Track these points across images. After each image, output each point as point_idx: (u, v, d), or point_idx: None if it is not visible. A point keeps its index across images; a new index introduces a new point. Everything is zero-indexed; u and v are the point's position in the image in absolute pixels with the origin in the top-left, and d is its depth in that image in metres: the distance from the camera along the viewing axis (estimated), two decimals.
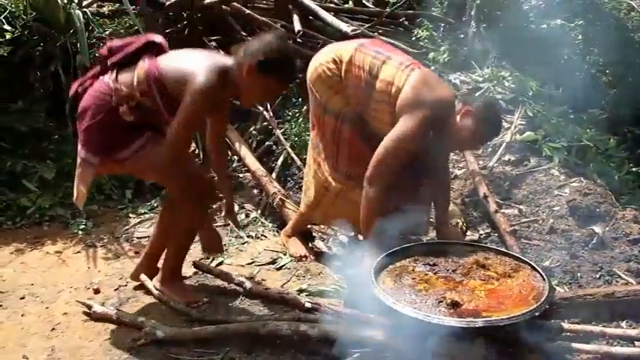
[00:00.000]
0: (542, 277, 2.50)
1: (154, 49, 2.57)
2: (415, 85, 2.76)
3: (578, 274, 3.03)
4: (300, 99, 4.60)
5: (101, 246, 3.55)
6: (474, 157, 4.08)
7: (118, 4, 4.89)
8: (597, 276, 3.01)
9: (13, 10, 4.16)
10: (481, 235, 3.52)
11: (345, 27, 4.64)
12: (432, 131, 2.81)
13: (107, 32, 4.50)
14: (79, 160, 2.58)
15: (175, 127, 2.41)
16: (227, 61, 2.50)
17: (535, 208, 3.63)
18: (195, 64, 2.43)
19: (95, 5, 4.83)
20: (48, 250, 3.52)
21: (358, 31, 4.67)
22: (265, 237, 3.60)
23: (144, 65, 2.49)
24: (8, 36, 3.96)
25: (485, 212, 3.63)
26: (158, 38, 2.62)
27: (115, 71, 2.52)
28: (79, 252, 3.50)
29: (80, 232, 3.70)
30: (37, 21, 4.21)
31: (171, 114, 2.43)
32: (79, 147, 2.57)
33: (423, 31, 5.79)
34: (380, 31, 5.47)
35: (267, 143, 4.49)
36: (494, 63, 5.45)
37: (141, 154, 2.51)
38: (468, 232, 3.53)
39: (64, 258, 3.44)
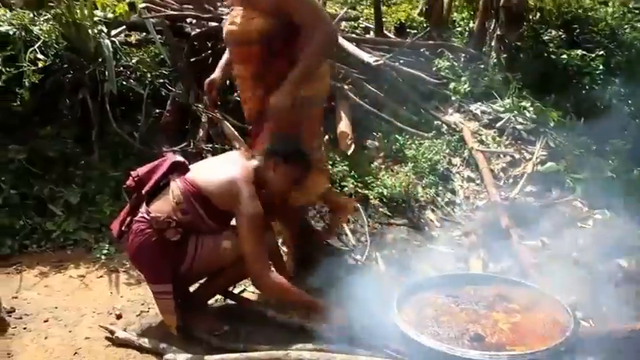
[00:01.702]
0: (567, 311, 2.47)
1: (179, 168, 2.69)
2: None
3: (604, 309, 2.98)
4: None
5: (123, 271, 3.56)
6: (496, 188, 4.08)
7: (144, 34, 4.99)
8: (623, 311, 2.97)
9: (47, 39, 4.27)
10: (503, 267, 3.50)
11: (368, 57, 4.70)
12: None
13: (134, 61, 4.58)
14: (153, 295, 2.69)
15: (255, 261, 2.53)
16: (253, 163, 2.67)
17: (558, 241, 3.60)
18: (231, 173, 2.58)
19: (123, 35, 4.94)
20: (71, 273, 3.54)
21: (380, 62, 4.72)
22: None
23: (178, 185, 2.60)
24: (41, 64, 4.04)
25: (507, 244, 3.60)
26: (180, 158, 2.74)
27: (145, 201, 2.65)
28: (101, 277, 3.51)
29: (103, 257, 3.72)
30: (68, 50, 4.30)
31: (215, 221, 2.58)
32: (147, 283, 2.72)
33: (443, 62, 5.86)
34: (401, 61, 5.52)
35: None
36: (515, 93, 5.47)
37: (199, 255, 2.61)
38: (490, 264, 3.51)
39: (87, 282, 3.45)
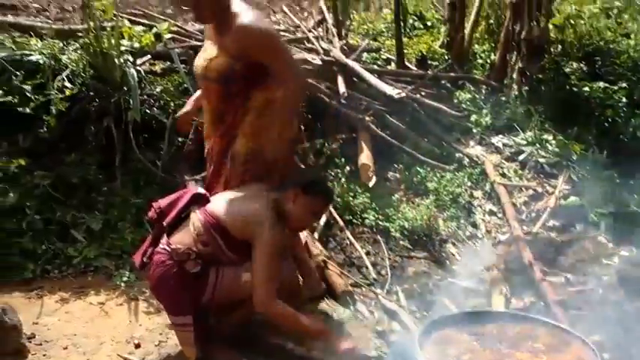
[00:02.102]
0: (594, 351, 2.41)
1: (200, 200, 2.71)
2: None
3: (632, 350, 2.91)
4: (342, 159, 4.65)
5: (143, 299, 3.56)
6: (518, 222, 4.03)
7: (168, 63, 5.06)
8: None
9: (74, 68, 4.36)
10: (526, 303, 3.44)
11: (390, 90, 4.71)
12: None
13: (158, 89, 4.65)
14: (173, 327, 2.72)
15: (261, 286, 2.52)
16: (273, 194, 2.67)
17: (583, 277, 3.54)
18: (251, 204, 2.60)
19: (147, 63, 5.02)
20: (91, 300, 3.55)
21: (403, 95, 4.73)
22: None
23: (199, 217, 2.62)
24: (68, 93, 4.13)
25: (529, 280, 3.54)
26: (201, 190, 2.78)
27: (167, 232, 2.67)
28: (121, 304, 3.51)
29: (123, 285, 3.73)
30: (94, 79, 4.38)
31: (236, 253, 2.59)
32: (167, 315, 2.73)
33: (465, 94, 5.86)
34: (422, 93, 5.53)
35: None
36: (537, 126, 5.44)
37: (220, 287, 2.61)
38: (513, 300, 3.45)
39: (106, 309, 3.46)
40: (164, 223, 2.68)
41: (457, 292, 3.61)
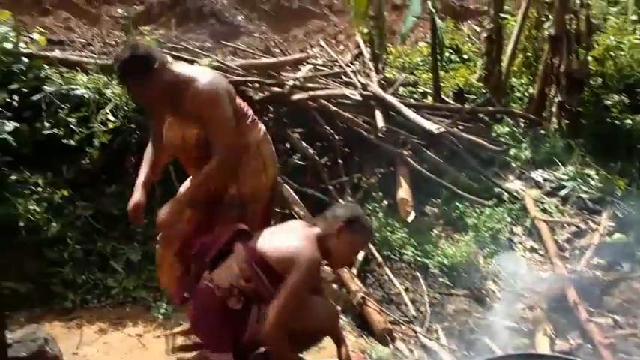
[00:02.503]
0: None
1: (242, 236, 2.71)
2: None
3: None
4: (380, 193, 4.62)
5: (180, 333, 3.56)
6: (561, 260, 3.93)
7: None
8: None
9: (117, 102, 4.47)
10: (572, 345, 3.32)
11: (429, 125, 4.67)
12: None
13: None
14: None
15: (278, 316, 2.47)
16: (316, 231, 2.65)
17: (632, 319, 3.41)
18: (294, 241, 2.57)
19: None
20: (129, 331, 3.57)
21: (443, 130, 4.70)
22: (345, 336, 3.50)
23: (242, 252, 2.61)
24: (111, 125, 4.23)
25: (574, 320, 3.43)
26: (243, 226, 2.77)
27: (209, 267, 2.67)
28: (158, 337, 3.52)
29: (160, 317, 3.74)
30: (135, 112, 4.48)
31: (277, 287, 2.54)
32: (206, 351, 2.70)
33: (503, 127, 5.79)
34: (460, 126, 5.49)
35: None
36: (579, 160, 5.33)
37: (261, 324, 2.55)
38: (557, 341, 3.34)
39: (144, 341, 3.47)
40: (206, 259, 2.67)
41: (499, 331, 3.52)
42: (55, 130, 4.16)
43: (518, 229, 4.62)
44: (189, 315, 2.70)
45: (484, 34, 6.63)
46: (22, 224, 3.76)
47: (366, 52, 6.28)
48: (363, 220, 2.69)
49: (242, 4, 9.50)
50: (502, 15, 6.44)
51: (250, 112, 2.98)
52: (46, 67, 4.58)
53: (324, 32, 9.18)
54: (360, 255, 4.09)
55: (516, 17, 6.51)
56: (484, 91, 6.38)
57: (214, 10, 8.96)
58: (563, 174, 5.14)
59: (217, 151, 2.73)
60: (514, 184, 5.19)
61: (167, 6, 8.74)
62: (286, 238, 2.62)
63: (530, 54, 6.83)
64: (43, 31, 6.54)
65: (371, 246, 4.12)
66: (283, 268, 2.53)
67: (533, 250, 4.46)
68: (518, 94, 6.64)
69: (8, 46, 4.49)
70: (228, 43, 7.38)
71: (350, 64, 5.89)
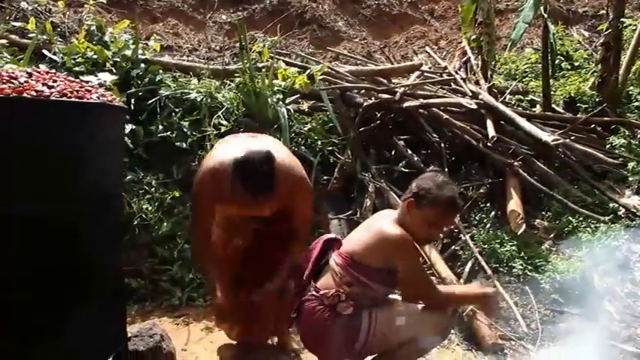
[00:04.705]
0: None
1: (334, 244, 2.70)
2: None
3: None
4: (487, 203, 4.50)
5: None
6: None
7: (313, 101, 5.21)
8: None
9: (229, 106, 4.63)
10: None
11: (545, 136, 4.48)
12: None
13: (306, 128, 4.79)
14: None
15: (429, 294, 2.55)
16: (395, 214, 2.62)
17: None
18: (380, 231, 2.51)
19: (294, 103, 5.20)
20: None
21: (560, 141, 4.50)
22: (453, 350, 3.45)
23: (337, 260, 2.58)
24: (223, 129, 4.38)
25: None
26: (331, 235, 2.78)
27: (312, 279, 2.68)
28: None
29: None
30: (247, 116, 4.62)
31: (380, 283, 2.53)
32: None
33: (619, 139, 5.48)
34: (572, 137, 5.24)
35: (452, 247, 4.30)
36: None
37: (373, 332, 2.54)
38: None
39: None
40: (304, 277, 2.65)
41: (615, 356, 3.31)
42: (169, 133, 4.35)
43: (637, 248, 4.33)
44: (300, 330, 2.66)
45: (601, 40, 6.30)
46: (135, 222, 3.94)
47: (474, 60, 6.14)
48: (435, 193, 2.48)
49: (343, 9, 9.56)
50: (622, 19, 6.08)
51: None
52: (161, 72, 4.81)
53: (426, 38, 9.07)
54: (468, 266, 4.01)
55: (637, 21, 6.14)
56: (598, 99, 6.06)
57: (316, 15, 9.07)
58: None
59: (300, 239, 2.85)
60: (631, 200, 4.87)
61: (269, 12, 8.95)
62: (368, 230, 2.57)
63: None
64: (158, 37, 6.92)
65: (479, 257, 4.02)
66: (380, 260, 2.48)
67: None
68: (636, 104, 6.24)
69: (128, 52, 4.78)
70: (332, 49, 7.47)
71: (458, 72, 5.78)
